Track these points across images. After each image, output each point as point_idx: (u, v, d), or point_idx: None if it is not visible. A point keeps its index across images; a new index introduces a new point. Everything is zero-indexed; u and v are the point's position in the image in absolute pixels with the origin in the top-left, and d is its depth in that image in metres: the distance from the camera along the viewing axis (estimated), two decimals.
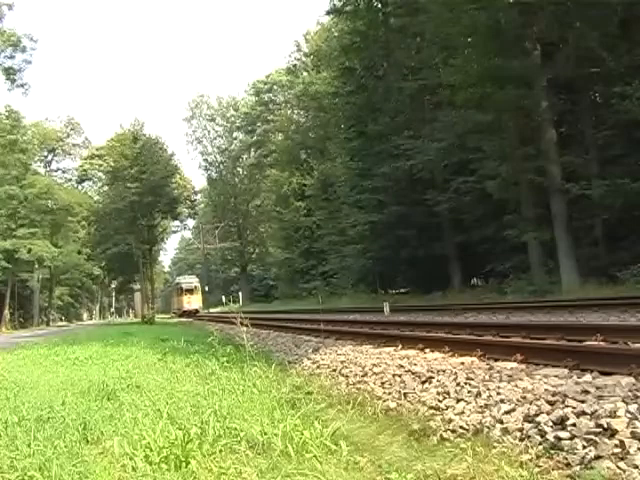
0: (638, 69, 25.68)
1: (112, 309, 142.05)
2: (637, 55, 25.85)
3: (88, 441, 6.41)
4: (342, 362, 11.34)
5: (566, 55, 28.11)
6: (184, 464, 5.26)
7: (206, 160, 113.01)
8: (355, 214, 46.14)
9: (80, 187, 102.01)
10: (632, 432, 4.65)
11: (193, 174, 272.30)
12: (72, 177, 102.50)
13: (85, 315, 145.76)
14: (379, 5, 47.75)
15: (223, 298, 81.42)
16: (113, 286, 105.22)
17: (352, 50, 48.08)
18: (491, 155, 30.79)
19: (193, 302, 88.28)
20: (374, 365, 10.14)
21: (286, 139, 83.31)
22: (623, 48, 26.59)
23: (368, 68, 47.16)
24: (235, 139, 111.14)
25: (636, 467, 4.10)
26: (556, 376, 6.99)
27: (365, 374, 9.81)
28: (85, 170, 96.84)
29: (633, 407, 5.11)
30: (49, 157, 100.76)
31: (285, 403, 7.52)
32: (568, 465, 4.47)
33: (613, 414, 5.08)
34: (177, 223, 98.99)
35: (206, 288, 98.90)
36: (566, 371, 7.28)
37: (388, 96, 42.76)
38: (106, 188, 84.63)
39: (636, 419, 4.85)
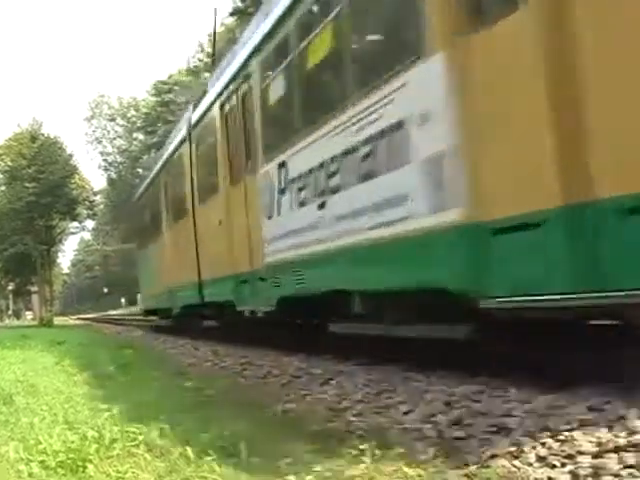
0: None
1: (9, 311, 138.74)
2: None
3: None
4: (243, 364, 11.34)
5: None
6: (81, 468, 5.20)
7: (106, 160, 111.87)
8: None
9: None
10: (525, 430, 4.76)
11: (93, 175, 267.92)
12: None
13: None
14: None
15: (123, 300, 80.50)
16: (10, 288, 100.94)
17: None
18: None
19: None
20: (273, 367, 10.17)
21: None
22: None
23: None
24: (135, 139, 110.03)
25: (530, 465, 4.20)
26: (453, 377, 7.14)
27: (265, 375, 9.82)
28: None
29: (527, 406, 5.26)
30: None
31: (185, 405, 7.48)
32: (465, 464, 4.54)
33: (508, 413, 5.21)
34: (76, 224, 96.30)
35: (105, 290, 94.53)
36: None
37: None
38: (3, 188, 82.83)
39: (527, 418, 4.98)
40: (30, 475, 5.14)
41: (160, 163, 24.29)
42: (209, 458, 5.17)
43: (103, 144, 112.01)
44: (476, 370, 7.39)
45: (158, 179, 24.45)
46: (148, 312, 30.00)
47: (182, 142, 19.36)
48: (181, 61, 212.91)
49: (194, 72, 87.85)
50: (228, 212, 14.07)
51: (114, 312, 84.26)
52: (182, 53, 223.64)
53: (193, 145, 17.77)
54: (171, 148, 22.01)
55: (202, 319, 21.17)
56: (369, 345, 10.35)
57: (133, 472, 5.04)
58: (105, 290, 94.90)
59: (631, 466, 3.74)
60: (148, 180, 27.93)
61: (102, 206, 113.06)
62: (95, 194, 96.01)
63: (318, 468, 4.66)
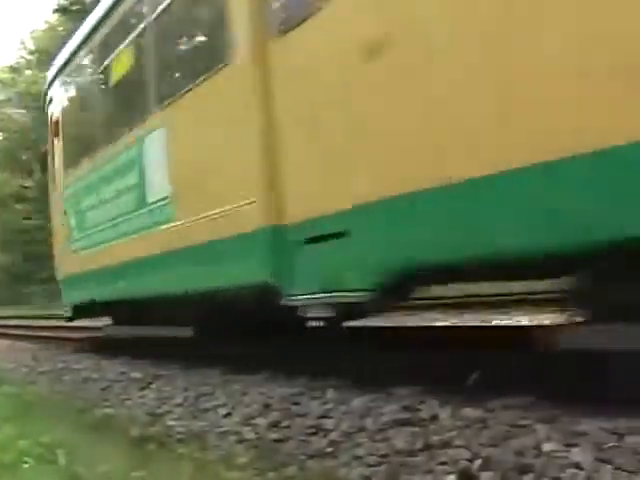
0: None
1: None
2: None
3: None
4: (62, 369, 11.12)
5: None
6: None
7: None
8: None
9: None
10: (342, 431, 4.88)
11: None
12: None
13: None
14: None
15: None
16: None
17: None
18: None
19: None
20: (93, 371, 10.02)
21: (6, 139, 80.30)
22: None
23: None
24: None
25: (347, 465, 4.30)
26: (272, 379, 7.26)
27: (85, 380, 9.67)
28: None
29: (344, 407, 5.39)
30: None
31: (1, 412, 7.29)
32: (284, 466, 4.61)
33: (325, 414, 5.33)
34: None
35: None
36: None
37: None
38: None
39: (344, 419, 5.11)
40: None
41: None
42: (26, 466, 5.08)
43: None
44: (295, 373, 7.52)
45: None
46: (84, 313, 13.85)
47: None
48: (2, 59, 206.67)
49: (15, 69, 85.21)
50: None
51: None
52: (1, 50, 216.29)
53: None
54: None
55: None
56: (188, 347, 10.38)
57: None
58: None
59: (444, 463, 3.89)
60: None
61: None
62: None
63: (137, 474, 4.64)
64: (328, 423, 5.15)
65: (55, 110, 14.42)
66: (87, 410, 7.58)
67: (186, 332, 9.92)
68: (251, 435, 5.32)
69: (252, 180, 7.04)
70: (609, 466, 3.37)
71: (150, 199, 9.28)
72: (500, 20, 4.40)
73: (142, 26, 9.67)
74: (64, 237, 13.59)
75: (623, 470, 3.32)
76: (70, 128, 13.68)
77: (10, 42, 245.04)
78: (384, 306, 7.06)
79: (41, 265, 59.25)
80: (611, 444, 3.60)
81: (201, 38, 9.58)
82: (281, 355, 8.19)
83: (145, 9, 9.67)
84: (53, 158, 14.44)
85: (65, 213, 13.36)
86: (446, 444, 4.16)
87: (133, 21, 10.24)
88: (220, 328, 9.52)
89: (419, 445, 4.25)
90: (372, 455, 4.30)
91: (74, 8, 47.59)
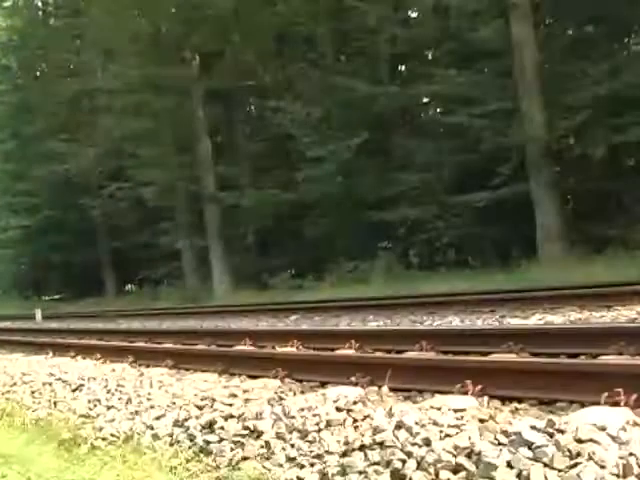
0: (290, 85, 27.09)
1: None
2: (291, 71, 27.27)
3: None
4: None
5: (223, 67, 28.91)
6: None
7: None
8: (8, 218, 44.51)
9: None
10: (277, 433, 4.87)
11: None
12: None
13: None
14: (39, 3, 46.51)
15: None
16: None
17: (9, 48, 46.33)
18: (147, 162, 31.04)
19: None
20: (24, 374, 9.86)
21: None
22: (278, 64, 27.97)
23: (25, 68, 45.61)
24: None
25: (280, 466, 4.30)
26: (205, 381, 7.20)
27: (14, 383, 9.51)
28: None
29: (278, 409, 5.38)
30: None
31: None
32: (217, 468, 4.59)
33: (259, 416, 5.32)
34: None
35: None
36: (215, 375, 7.50)
37: (45, 98, 41.66)
38: None
39: (280, 420, 5.09)
40: None
41: None
42: None
43: None
44: (232, 372, 7.51)
45: None
46: None
47: None
48: None
49: None
50: None
51: None
52: None
53: None
54: None
55: None
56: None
57: None
58: None
59: (377, 463, 3.92)
60: None
61: None
62: None
63: (68, 476, 4.61)
64: (262, 424, 5.12)
65: None
66: (17, 413, 7.48)
67: None
68: (184, 437, 5.30)
69: None
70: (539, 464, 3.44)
71: None
72: None
73: None
74: None
75: (552, 469, 3.39)
76: None
77: None
78: None
79: None
80: (542, 442, 3.65)
81: None
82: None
83: None
84: None
85: None
86: (379, 444, 4.18)
87: None
88: None
89: (352, 446, 4.26)
90: (305, 456, 4.31)
91: (5, 5, 46.73)
